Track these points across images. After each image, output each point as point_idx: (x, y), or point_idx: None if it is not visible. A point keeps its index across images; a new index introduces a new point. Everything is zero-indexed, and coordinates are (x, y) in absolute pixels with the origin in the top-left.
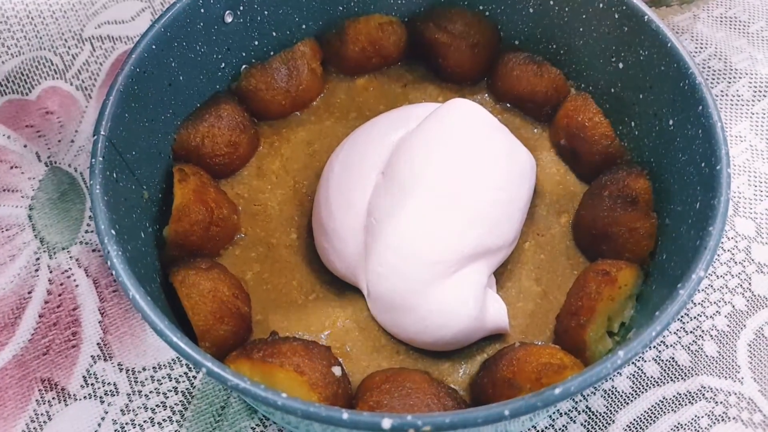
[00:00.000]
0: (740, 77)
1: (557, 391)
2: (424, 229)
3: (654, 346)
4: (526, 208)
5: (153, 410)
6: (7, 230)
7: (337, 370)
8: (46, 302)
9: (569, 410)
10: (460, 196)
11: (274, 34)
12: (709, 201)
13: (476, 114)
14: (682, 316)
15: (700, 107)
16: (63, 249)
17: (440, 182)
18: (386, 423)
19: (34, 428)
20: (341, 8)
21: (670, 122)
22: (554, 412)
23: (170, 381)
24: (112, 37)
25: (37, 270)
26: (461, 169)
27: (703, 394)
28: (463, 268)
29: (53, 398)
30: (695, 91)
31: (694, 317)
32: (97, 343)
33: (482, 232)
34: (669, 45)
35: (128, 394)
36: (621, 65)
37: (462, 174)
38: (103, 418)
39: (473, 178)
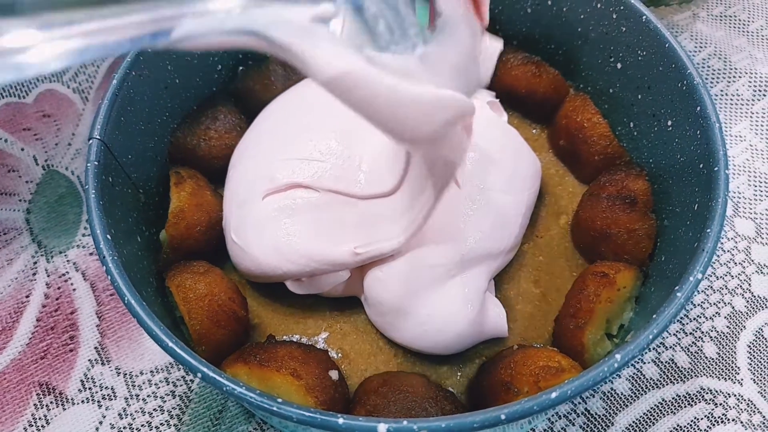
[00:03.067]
0: (740, 76)
1: (554, 395)
2: (423, 232)
3: (653, 348)
4: (529, 213)
5: (150, 414)
6: (4, 234)
7: (333, 374)
8: (44, 306)
9: (568, 413)
10: (462, 199)
11: None
12: (706, 202)
13: (483, 115)
14: (681, 318)
15: (698, 108)
16: (60, 253)
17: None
18: (382, 428)
19: None
20: None
21: (669, 123)
22: (553, 415)
23: (168, 385)
24: None
25: (34, 274)
26: (464, 171)
27: (703, 396)
28: (462, 272)
29: (51, 402)
30: (693, 91)
31: (694, 318)
32: (95, 347)
33: (483, 236)
34: (667, 45)
35: (126, 398)
36: (620, 65)
37: (465, 176)
38: (101, 422)
39: (476, 180)
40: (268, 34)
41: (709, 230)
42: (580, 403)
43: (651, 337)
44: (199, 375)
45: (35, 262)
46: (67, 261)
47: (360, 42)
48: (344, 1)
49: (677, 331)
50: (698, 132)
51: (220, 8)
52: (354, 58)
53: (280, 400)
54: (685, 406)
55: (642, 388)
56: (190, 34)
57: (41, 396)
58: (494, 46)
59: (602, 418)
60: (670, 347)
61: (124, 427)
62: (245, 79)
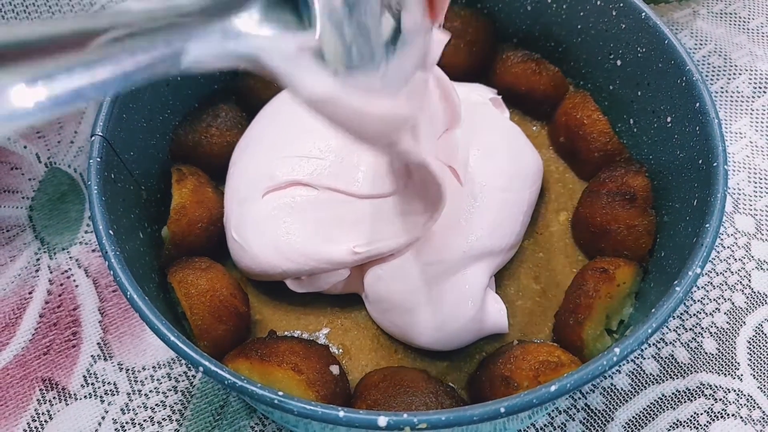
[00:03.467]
0: (740, 73)
1: (553, 388)
2: None
3: (653, 344)
4: (530, 211)
5: (153, 409)
6: (7, 231)
7: (334, 369)
8: (47, 302)
9: (568, 408)
10: (464, 196)
11: None
12: (706, 198)
13: (485, 112)
14: (681, 314)
15: (698, 104)
16: (63, 249)
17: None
18: (382, 421)
19: (35, 427)
20: None
21: (668, 119)
22: (553, 410)
23: (170, 380)
24: None
25: (37, 270)
26: (466, 168)
27: (703, 391)
28: (463, 269)
29: (54, 398)
30: (692, 88)
31: (694, 314)
32: (97, 343)
33: (485, 233)
34: (666, 42)
35: (128, 394)
36: (619, 62)
37: (467, 174)
38: (103, 417)
39: (478, 178)
40: (260, 61)
41: (708, 225)
42: (580, 398)
43: (650, 331)
44: (201, 369)
45: (38, 259)
46: (70, 258)
47: (336, 66)
48: (325, 33)
49: (677, 327)
50: (697, 128)
51: (219, 30)
52: (330, 83)
53: (281, 393)
54: (684, 402)
55: (642, 383)
56: (197, 60)
57: (44, 392)
58: (440, 38)
59: (602, 413)
60: (670, 343)
61: (127, 422)
62: (246, 77)
